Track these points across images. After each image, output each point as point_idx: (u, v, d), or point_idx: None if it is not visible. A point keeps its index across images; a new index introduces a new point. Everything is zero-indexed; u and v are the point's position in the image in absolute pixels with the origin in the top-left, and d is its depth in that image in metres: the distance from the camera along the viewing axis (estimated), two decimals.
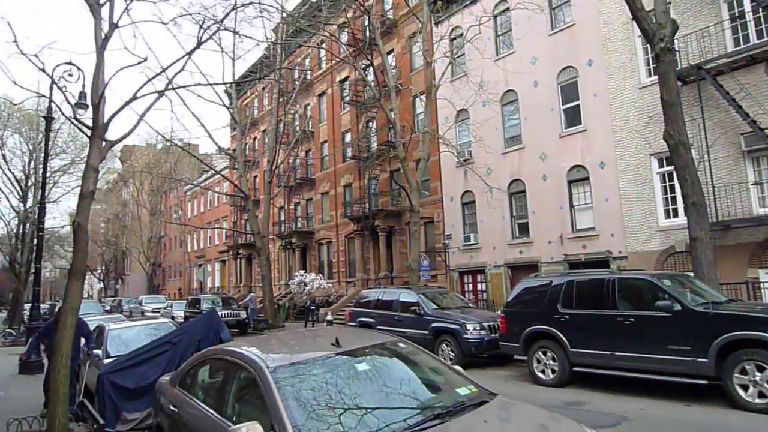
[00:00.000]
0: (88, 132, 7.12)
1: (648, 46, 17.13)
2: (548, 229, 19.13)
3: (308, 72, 34.03)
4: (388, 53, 26.81)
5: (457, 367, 4.33)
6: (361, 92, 28.97)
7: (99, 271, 67.80)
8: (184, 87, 7.66)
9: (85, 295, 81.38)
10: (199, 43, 7.39)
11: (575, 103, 18.83)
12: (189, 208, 53.70)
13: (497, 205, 20.58)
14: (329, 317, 19.94)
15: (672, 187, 16.23)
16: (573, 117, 18.93)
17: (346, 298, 26.44)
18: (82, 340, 8.58)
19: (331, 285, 29.58)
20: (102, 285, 69.38)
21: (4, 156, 34.93)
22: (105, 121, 6.93)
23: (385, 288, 13.90)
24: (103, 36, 7.13)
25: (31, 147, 35.33)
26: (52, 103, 14.32)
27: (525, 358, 9.45)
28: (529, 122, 20.18)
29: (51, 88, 14.38)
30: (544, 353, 9.02)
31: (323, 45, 24.39)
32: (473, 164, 21.99)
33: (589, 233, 18.03)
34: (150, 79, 7.53)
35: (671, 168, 16.25)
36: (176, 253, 57.01)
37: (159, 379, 5.69)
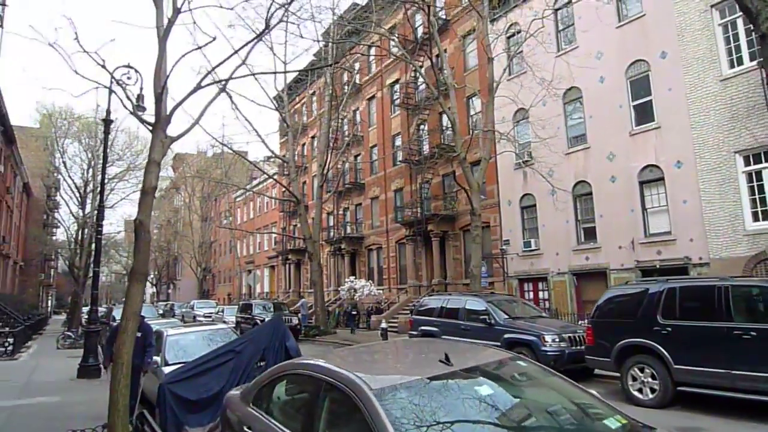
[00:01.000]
0: (149, 126, 6.71)
1: (729, 35, 15.90)
2: (618, 233, 17.87)
3: (357, 76, 33.68)
4: (437, 56, 26.11)
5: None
6: (412, 94, 28.33)
7: (152, 276, 69.54)
8: (246, 76, 7.13)
9: None
10: (267, 27, 6.87)
11: (647, 99, 17.56)
12: (239, 215, 54.33)
13: (561, 208, 19.44)
14: (383, 325, 19.24)
15: (761, 188, 14.80)
16: (644, 114, 17.66)
17: (398, 305, 25.72)
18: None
19: (381, 292, 28.92)
20: (154, 289, 71.10)
21: (65, 163, 36.05)
22: (167, 113, 6.46)
23: (449, 295, 13.10)
24: (166, 23, 6.70)
25: (89, 154, 36.33)
26: (111, 105, 14.28)
27: (617, 374, 8.45)
28: (595, 120, 19.00)
29: (110, 90, 14.35)
30: (641, 369, 8.01)
31: (375, 46, 23.86)
32: (533, 166, 20.92)
33: (664, 238, 16.69)
34: (214, 67, 7.06)
35: (760, 166, 14.92)
36: (226, 259, 57.75)
37: (227, 393, 5.08)
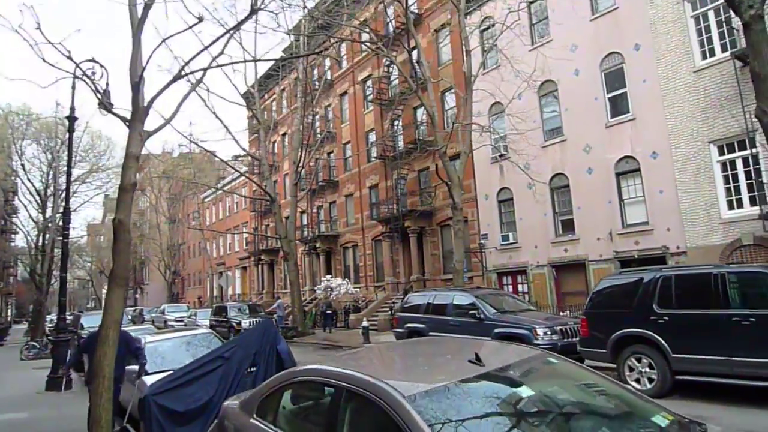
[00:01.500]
0: (125, 120, 6.24)
1: (702, 27, 16.11)
2: (596, 225, 17.97)
3: (329, 72, 33.21)
4: (413, 49, 25.91)
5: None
6: (385, 90, 28.05)
7: None
8: (223, 65, 6.71)
9: (104, 304, 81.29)
10: (252, 11, 6.45)
11: (622, 91, 17.68)
12: (207, 216, 53.09)
13: (539, 200, 19.45)
14: (365, 323, 18.91)
15: (735, 176, 15.05)
16: (620, 105, 17.78)
17: (377, 303, 25.44)
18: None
19: (358, 290, 28.58)
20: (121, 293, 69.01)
21: (23, 166, 34.53)
22: (144, 105, 6.00)
23: (435, 291, 12.86)
24: (141, 9, 6.23)
25: (49, 156, 34.92)
26: (74, 103, 13.58)
27: (612, 365, 8.35)
28: (571, 113, 19.06)
29: (73, 85, 13.64)
30: (639, 360, 7.92)
31: (348, 40, 23.48)
32: (510, 159, 20.91)
33: (641, 228, 16.84)
34: (190, 60, 6.59)
35: (733, 155, 15.17)
36: (195, 262, 56.43)
37: (223, 404, 4.70)
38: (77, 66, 8.30)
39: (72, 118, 13.50)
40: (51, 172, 34.87)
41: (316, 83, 31.25)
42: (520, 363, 3.26)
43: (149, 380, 6.90)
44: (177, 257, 54.13)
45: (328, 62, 33.47)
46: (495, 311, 10.87)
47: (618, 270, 8.66)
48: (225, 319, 22.88)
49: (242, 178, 46.10)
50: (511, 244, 20.81)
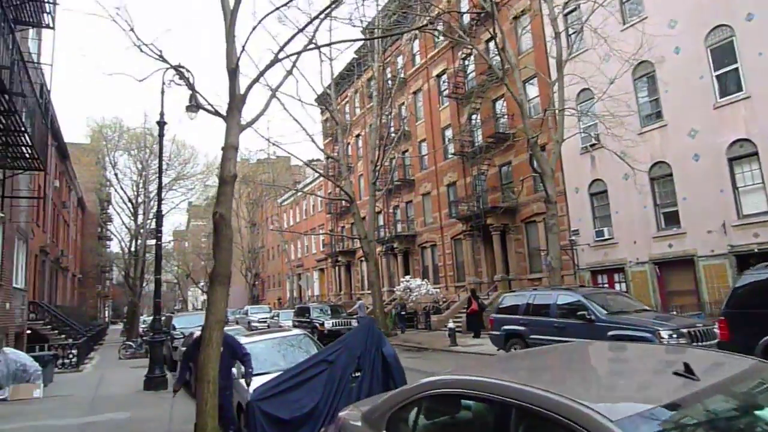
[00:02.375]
0: (221, 115, 5.95)
1: None
2: (705, 217, 16.30)
3: (402, 70, 32.74)
4: (490, 40, 24.91)
5: None
6: (461, 84, 27.17)
7: (202, 284, 70.52)
8: (325, 46, 6.27)
9: (191, 307, 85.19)
10: None
11: (732, 67, 15.95)
12: (285, 219, 54.19)
13: (639, 192, 17.94)
14: (451, 324, 18.16)
15: None
16: (730, 84, 16.05)
17: (459, 304, 24.60)
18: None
19: (438, 290, 27.85)
20: (206, 297, 72.10)
21: (116, 175, 36.55)
22: (242, 92, 5.65)
23: (535, 290, 11.94)
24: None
25: (139, 165, 36.77)
26: (158, 110, 13.77)
27: None
28: (672, 95, 17.44)
29: (162, 92, 13.87)
30: None
31: (424, 29, 22.78)
32: (604, 148, 19.51)
33: (761, 219, 15.05)
34: (285, 44, 6.20)
35: None
36: (274, 264, 57.80)
37: (341, 415, 4.19)
38: (170, 66, 8.20)
39: (162, 123, 13.75)
40: (141, 181, 36.70)
41: (389, 82, 30.87)
42: (742, 376, 2.49)
43: (247, 385, 6.57)
44: (257, 260, 55.62)
45: (401, 60, 33.04)
46: (606, 312, 9.84)
47: (764, 264, 7.44)
48: (308, 320, 22.88)
49: (317, 181, 46.79)
50: (607, 240, 19.36)
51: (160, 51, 7.12)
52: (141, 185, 36.79)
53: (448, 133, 28.87)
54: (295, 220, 51.76)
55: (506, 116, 24.48)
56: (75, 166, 39.62)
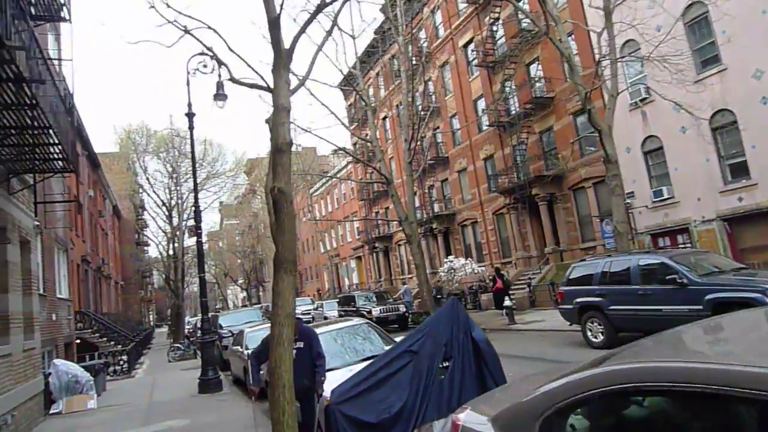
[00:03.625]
0: (265, 88, 5.13)
1: None
2: None
3: (425, 44, 31.51)
4: None
5: None
6: (491, 51, 25.87)
7: (241, 281, 71.02)
8: None
9: (231, 305, 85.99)
10: None
11: None
12: (317, 210, 53.74)
13: (697, 146, 16.57)
14: (508, 303, 17.21)
15: None
16: None
17: (509, 280, 23.55)
18: None
19: (483, 269, 26.83)
20: (245, 293, 72.58)
21: (148, 179, 36.52)
22: (288, 47, 4.80)
23: (608, 257, 10.90)
24: None
25: (170, 168, 36.63)
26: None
27: None
28: (731, 35, 15.92)
29: (188, 83, 13.24)
30: None
31: (445, 2, 21.61)
32: (653, 103, 18.14)
33: None
34: None
35: None
36: (310, 256, 57.58)
37: (454, 418, 3.35)
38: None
39: (191, 115, 13.12)
40: (173, 183, 36.58)
41: (414, 59, 29.70)
42: None
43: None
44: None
45: (423, 34, 31.79)
46: (699, 273, 8.77)
47: None
48: (354, 309, 22.23)
49: (345, 170, 46.04)
50: (666, 199, 18.05)
51: (185, 27, 6.38)
52: (173, 187, 36.69)
53: (481, 104, 27.65)
54: (327, 210, 51.25)
55: (543, 80, 23.14)
56: (107, 175, 39.84)
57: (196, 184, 12.78)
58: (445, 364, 5.32)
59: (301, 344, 5.73)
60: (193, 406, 10.61)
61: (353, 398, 4.90)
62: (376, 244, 38.85)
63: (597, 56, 15.65)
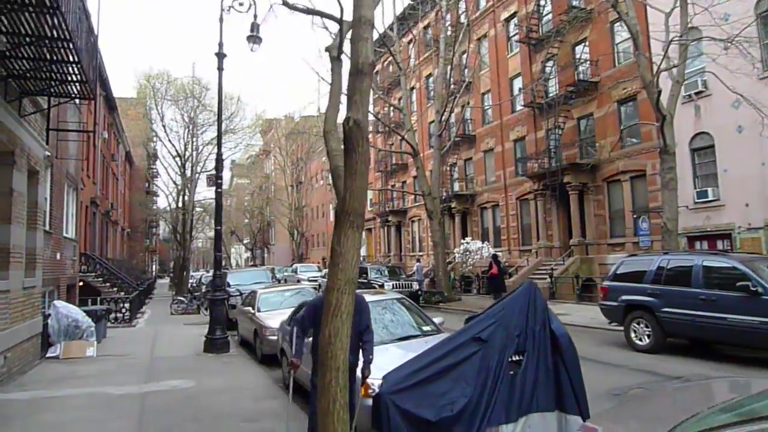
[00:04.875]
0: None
1: None
2: None
3: (463, 15, 30.06)
4: None
5: None
6: (535, 27, 24.51)
7: (247, 240, 70.59)
8: None
9: (234, 264, 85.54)
10: None
11: None
12: (330, 178, 52.88)
13: (754, 148, 15.43)
14: None
15: None
16: None
17: (528, 269, 22.74)
18: None
19: (500, 254, 25.91)
20: (250, 254, 72.25)
21: (164, 127, 35.66)
22: None
23: (668, 255, 9.92)
24: None
25: (187, 118, 35.67)
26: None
27: None
28: None
29: (221, 19, 12.26)
30: None
31: None
32: (709, 98, 16.96)
33: None
34: None
35: None
36: (318, 223, 56.88)
37: (590, 428, 2.49)
38: None
39: (221, 55, 12.13)
40: (189, 134, 35.68)
41: (450, 29, 28.31)
42: None
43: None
44: (300, 219, 54.71)
45: (463, 5, 30.29)
46: None
47: None
48: (365, 281, 21.44)
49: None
50: (710, 201, 16.99)
51: None
52: (188, 138, 35.80)
53: (517, 83, 26.39)
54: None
55: (589, 62, 21.86)
56: (122, 120, 38.97)
57: (220, 129, 11.82)
58: (516, 358, 4.46)
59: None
60: (198, 366, 9.89)
61: (409, 388, 4.06)
62: (389, 218, 37.96)
63: (663, 38, 14.38)
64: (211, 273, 35.90)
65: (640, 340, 9.65)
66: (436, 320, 7.27)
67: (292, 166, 52.28)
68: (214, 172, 13.19)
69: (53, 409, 6.87)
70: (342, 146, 3.95)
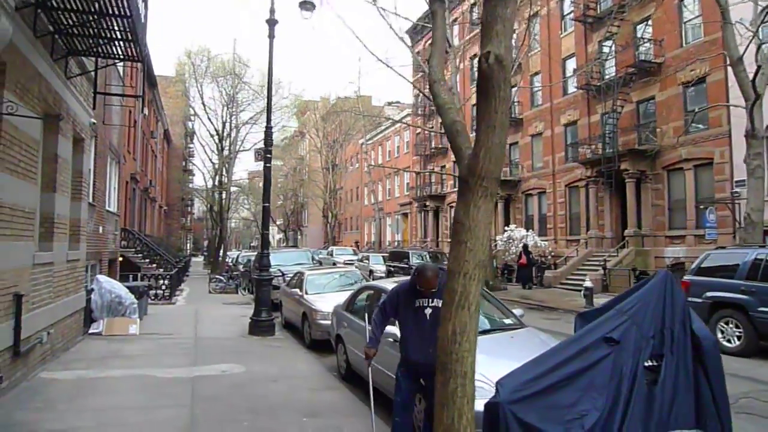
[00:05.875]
0: None
1: None
2: None
3: None
4: None
5: None
6: (594, 4, 23.11)
7: (280, 221, 70.71)
8: None
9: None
10: None
11: None
12: (366, 161, 52.07)
13: None
14: (588, 283, 15.37)
15: None
16: None
17: (579, 259, 21.69)
18: None
19: (545, 243, 24.90)
20: (282, 235, 72.38)
21: (204, 104, 35.44)
22: None
23: (763, 247, 8.86)
24: None
25: (225, 97, 35.33)
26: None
27: None
28: None
29: None
30: None
31: None
32: None
33: None
34: None
35: None
36: (352, 207, 56.41)
37: None
38: None
39: (272, 21, 11.45)
40: (228, 113, 35.36)
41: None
42: None
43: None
44: (334, 201, 54.27)
45: None
46: None
47: None
48: (407, 266, 20.76)
49: (399, 124, 43.69)
50: None
51: None
52: (227, 117, 35.49)
53: (570, 64, 25.05)
54: (377, 161, 49.50)
55: (652, 42, 20.45)
56: (162, 99, 38.94)
57: (270, 101, 11.13)
58: (651, 363, 3.66)
59: (438, 302, 4.18)
60: (245, 348, 9.36)
61: (531, 398, 3.30)
62: (427, 203, 37.08)
63: (750, 12, 13.07)
64: (247, 253, 35.86)
65: (729, 341, 8.68)
66: (516, 312, 6.50)
67: (328, 149, 51.66)
68: (256, 149, 12.59)
69: (99, 392, 6.39)
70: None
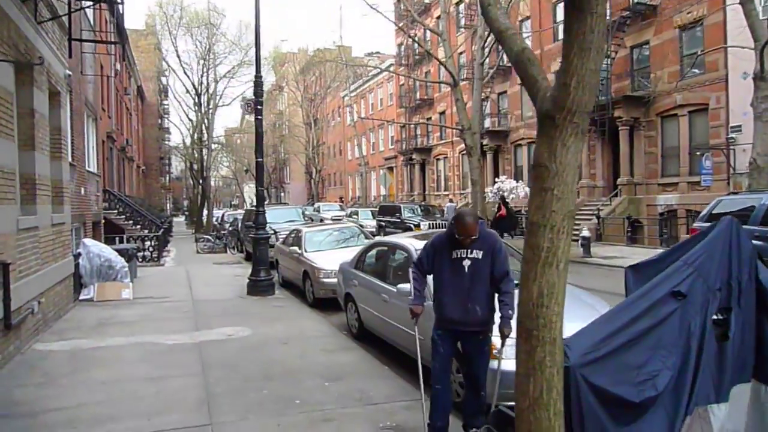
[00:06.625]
0: None
1: None
2: None
3: None
4: None
5: None
6: None
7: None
8: None
9: (249, 202, 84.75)
10: None
11: None
12: (348, 115, 50.92)
13: None
14: (586, 233, 15.28)
15: None
16: None
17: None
18: None
19: None
20: (265, 192, 71.40)
21: (179, 57, 33.92)
22: None
23: None
24: None
25: (201, 49, 33.79)
26: None
27: None
28: None
29: None
30: None
31: None
32: None
33: None
34: None
35: None
36: (334, 162, 55.56)
37: None
38: None
39: None
40: (204, 67, 33.90)
41: None
42: None
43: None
44: (318, 157, 53.35)
45: None
46: None
47: None
48: (399, 220, 20.46)
49: (381, 75, 42.37)
50: None
51: None
52: (204, 71, 34.02)
53: (561, 9, 24.21)
54: (360, 115, 48.46)
55: None
56: (134, 53, 37.09)
57: (258, 45, 10.31)
58: (718, 317, 3.39)
59: (478, 254, 3.84)
60: (246, 310, 9.03)
61: (600, 360, 3.00)
62: (413, 156, 36.58)
63: None
64: (232, 211, 35.12)
65: None
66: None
67: (309, 103, 50.27)
68: (242, 100, 11.91)
69: (100, 363, 6.01)
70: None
